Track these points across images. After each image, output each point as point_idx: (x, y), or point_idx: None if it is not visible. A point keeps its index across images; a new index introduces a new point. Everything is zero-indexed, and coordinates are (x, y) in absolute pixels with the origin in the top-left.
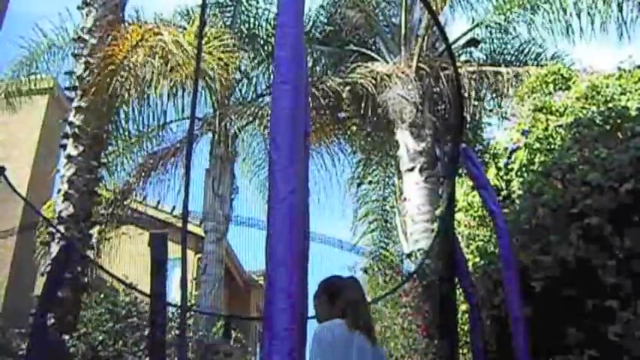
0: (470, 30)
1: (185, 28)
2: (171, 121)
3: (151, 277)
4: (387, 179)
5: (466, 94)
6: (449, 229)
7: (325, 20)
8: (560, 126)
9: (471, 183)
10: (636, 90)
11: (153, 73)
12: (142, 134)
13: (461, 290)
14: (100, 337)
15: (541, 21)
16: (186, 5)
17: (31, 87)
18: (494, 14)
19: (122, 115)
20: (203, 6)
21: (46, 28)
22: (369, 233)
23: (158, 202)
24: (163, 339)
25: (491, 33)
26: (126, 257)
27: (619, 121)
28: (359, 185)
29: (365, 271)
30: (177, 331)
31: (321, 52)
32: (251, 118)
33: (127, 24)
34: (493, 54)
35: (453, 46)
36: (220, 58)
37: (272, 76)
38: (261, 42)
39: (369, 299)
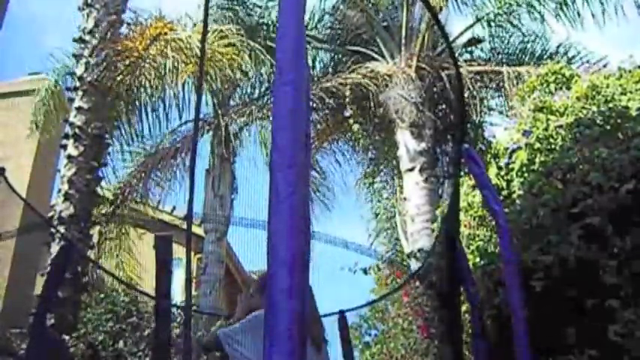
0: (471, 26)
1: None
2: (175, 128)
3: (156, 278)
4: (394, 178)
5: (467, 94)
6: (452, 230)
7: (326, 21)
8: (561, 126)
9: (471, 183)
10: (637, 90)
11: (169, 66)
12: (144, 135)
13: (462, 290)
14: (100, 337)
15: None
16: (186, 8)
17: (31, 87)
18: (497, 7)
19: (123, 116)
20: (206, 7)
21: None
22: (385, 230)
23: (158, 203)
24: (168, 340)
25: (491, 27)
26: (126, 257)
27: (619, 121)
28: (370, 185)
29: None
30: (178, 331)
31: (322, 51)
32: (252, 118)
33: (144, 19)
34: (494, 52)
35: (454, 45)
36: (222, 58)
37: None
38: (263, 42)
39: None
